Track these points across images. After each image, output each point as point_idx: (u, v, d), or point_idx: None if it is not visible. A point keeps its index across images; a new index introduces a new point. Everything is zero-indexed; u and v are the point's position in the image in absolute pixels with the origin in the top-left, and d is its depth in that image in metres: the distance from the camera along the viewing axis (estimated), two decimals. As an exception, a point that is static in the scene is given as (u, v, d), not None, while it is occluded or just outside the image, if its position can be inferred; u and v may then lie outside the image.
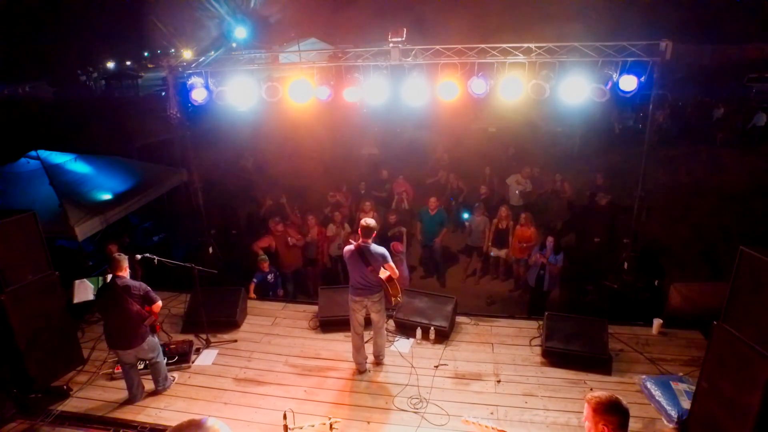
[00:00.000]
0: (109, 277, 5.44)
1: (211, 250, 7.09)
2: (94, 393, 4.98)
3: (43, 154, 7.82)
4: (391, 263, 5.01)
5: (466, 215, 8.55)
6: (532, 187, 10.00)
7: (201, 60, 6.05)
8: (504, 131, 15.11)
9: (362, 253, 4.93)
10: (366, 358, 5.29)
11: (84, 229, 6.67)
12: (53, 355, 5.04)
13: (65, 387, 4.87)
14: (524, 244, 7.83)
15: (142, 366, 5.00)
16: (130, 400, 4.75)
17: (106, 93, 34.73)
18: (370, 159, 14.60)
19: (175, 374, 5.17)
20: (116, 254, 4.54)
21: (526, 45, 5.44)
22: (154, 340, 4.72)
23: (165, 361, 5.33)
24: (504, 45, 5.47)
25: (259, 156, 13.90)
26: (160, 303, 4.65)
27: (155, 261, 5.14)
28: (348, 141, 15.62)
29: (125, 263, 4.54)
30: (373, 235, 4.99)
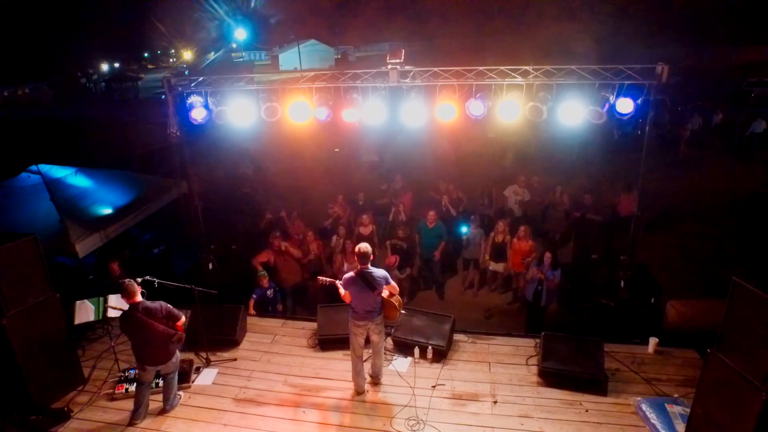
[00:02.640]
0: (111, 298, 5.52)
1: (210, 266, 7.12)
2: (94, 414, 5.02)
3: (44, 168, 7.87)
4: (393, 283, 5.09)
5: (464, 229, 8.57)
6: (530, 195, 10.04)
7: (201, 79, 6.08)
8: (503, 136, 15.17)
9: (365, 278, 4.95)
10: (365, 379, 5.34)
11: (84, 246, 6.72)
12: (54, 376, 5.09)
13: (66, 408, 4.92)
14: (524, 259, 7.87)
15: (153, 385, 5.09)
16: (133, 420, 4.80)
17: (106, 95, 34.77)
18: (370, 166, 14.68)
19: (181, 392, 5.24)
20: (126, 282, 4.57)
21: (523, 67, 5.49)
22: (178, 356, 4.87)
23: (165, 381, 5.41)
24: (502, 67, 5.51)
25: (259, 162, 13.99)
26: (183, 318, 4.80)
27: (155, 283, 5.17)
28: (349, 147, 15.70)
29: (137, 288, 4.60)
30: (371, 259, 5.03)
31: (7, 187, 7.55)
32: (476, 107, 5.56)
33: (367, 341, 5.25)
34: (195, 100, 6.19)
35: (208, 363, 5.77)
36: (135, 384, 4.99)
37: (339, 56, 58.49)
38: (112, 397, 5.22)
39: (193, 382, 5.50)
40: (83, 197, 7.63)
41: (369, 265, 5.00)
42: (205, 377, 5.58)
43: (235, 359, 5.89)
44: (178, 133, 6.35)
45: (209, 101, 6.17)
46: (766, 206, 11.15)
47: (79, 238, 6.65)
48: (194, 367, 5.68)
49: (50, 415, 4.86)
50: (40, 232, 6.57)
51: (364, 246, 5.04)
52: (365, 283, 4.93)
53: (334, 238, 8.14)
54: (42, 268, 5.01)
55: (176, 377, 5.02)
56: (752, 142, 16.17)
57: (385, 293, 5.02)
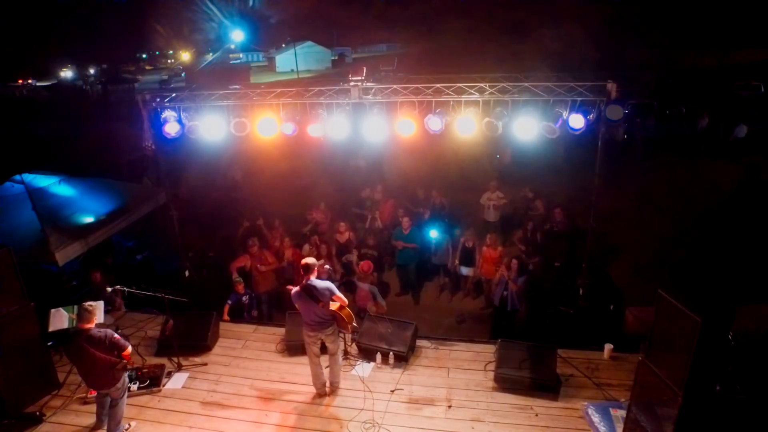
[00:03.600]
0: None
1: (187, 273, 7.37)
2: (66, 418, 5.27)
3: (27, 177, 8.10)
4: (338, 294, 5.24)
5: (433, 233, 8.80)
6: (505, 197, 10.23)
7: (174, 95, 6.31)
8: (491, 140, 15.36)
9: (309, 291, 5.12)
10: (325, 383, 5.57)
11: (65, 254, 6.93)
12: (28, 381, 5.33)
13: (38, 413, 5.16)
14: (492, 266, 8.11)
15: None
16: (97, 426, 5.03)
17: (102, 97, 35.07)
18: (356, 172, 14.88)
19: (133, 423, 5.17)
20: (87, 305, 4.68)
21: (479, 84, 5.72)
22: (125, 380, 4.93)
23: (137, 385, 5.65)
24: (459, 84, 5.74)
25: (247, 167, 14.20)
26: (129, 348, 4.81)
27: (125, 292, 5.40)
28: (338, 151, 15.91)
29: (94, 316, 4.69)
30: (314, 271, 5.18)
31: (-10, 197, 7.78)
32: (434, 123, 5.80)
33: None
34: (169, 114, 6.43)
35: (179, 368, 6.02)
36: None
37: (336, 58, 58.66)
38: (84, 401, 5.45)
39: (163, 386, 5.74)
40: (65, 206, 7.86)
41: (312, 277, 5.17)
42: (176, 381, 5.83)
43: (206, 364, 6.14)
44: (153, 147, 6.58)
45: (182, 116, 6.41)
46: (743, 211, 11.36)
47: (59, 247, 6.85)
48: (166, 371, 5.93)
49: (23, 419, 5.10)
50: (21, 241, 6.89)
51: (309, 259, 5.26)
52: (308, 295, 5.10)
53: (306, 246, 8.37)
54: (16, 278, 5.26)
55: (123, 405, 4.99)
56: (735, 146, 16.35)
57: (335, 305, 5.21)
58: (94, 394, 5.44)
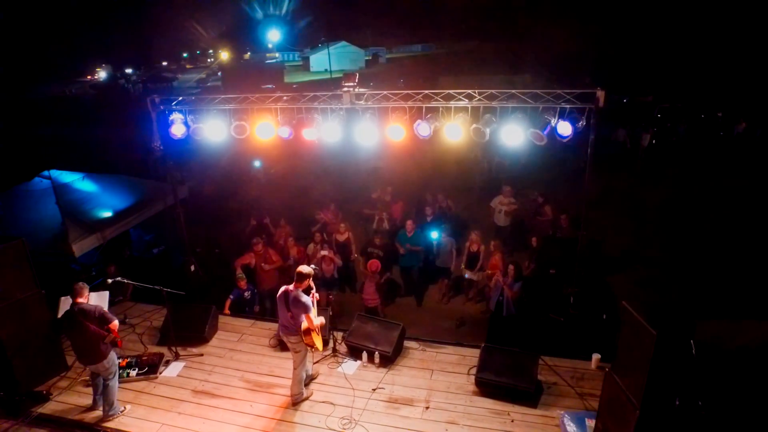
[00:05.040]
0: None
1: (193, 267, 7.75)
2: (70, 398, 5.69)
3: (55, 173, 8.73)
4: (312, 316, 5.23)
5: (434, 234, 8.88)
6: (517, 203, 10.20)
7: (180, 99, 6.67)
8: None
9: (288, 298, 5.24)
10: (310, 376, 5.79)
11: (81, 246, 7.47)
12: (38, 362, 5.79)
13: (45, 392, 5.61)
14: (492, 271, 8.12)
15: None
16: (93, 406, 5.43)
17: (143, 95, 36.72)
18: (374, 172, 15.09)
19: (128, 406, 5.50)
20: (78, 283, 5.14)
21: (468, 91, 5.78)
22: (113, 359, 5.30)
23: (136, 371, 6.04)
24: (448, 90, 5.83)
25: (269, 167, 14.70)
26: (116, 322, 5.19)
27: (125, 283, 5.78)
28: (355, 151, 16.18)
29: (85, 291, 5.15)
30: (305, 281, 5.27)
31: (21, 191, 8.43)
32: (423, 128, 5.90)
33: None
34: (176, 117, 6.80)
35: (177, 357, 6.37)
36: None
37: (370, 57, 59.08)
38: (87, 384, 5.84)
39: (160, 373, 6.10)
40: (86, 201, 8.44)
41: (301, 287, 5.23)
42: (172, 370, 6.18)
43: (202, 354, 6.47)
44: (161, 147, 6.97)
45: (188, 119, 6.76)
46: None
47: (76, 240, 7.40)
48: (164, 360, 6.30)
49: (31, 397, 5.55)
50: (44, 233, 7.46)
51: (304, 267, 5.36)
52: (285, 302, 5.26)
53: (311, 245, 8.62)
54: (28, 267, 5.72)
55: (114, 385, 5.30)
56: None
57: (304, 324, 5.19)
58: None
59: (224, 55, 68.13)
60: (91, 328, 5.02)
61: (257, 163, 15.89)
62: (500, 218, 10.28)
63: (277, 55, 68.09)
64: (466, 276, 8.90)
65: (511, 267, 7.43)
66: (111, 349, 5.24)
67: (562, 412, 5.23)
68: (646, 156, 16.54)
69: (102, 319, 5.09)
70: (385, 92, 5.90)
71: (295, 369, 5.53)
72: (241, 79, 37.07)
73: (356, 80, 5.99)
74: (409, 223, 9.01)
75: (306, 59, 58.05)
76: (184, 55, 74.64)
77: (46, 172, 8.68)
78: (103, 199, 8.62)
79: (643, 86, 24.30)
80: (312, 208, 10.57)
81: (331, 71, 49.10)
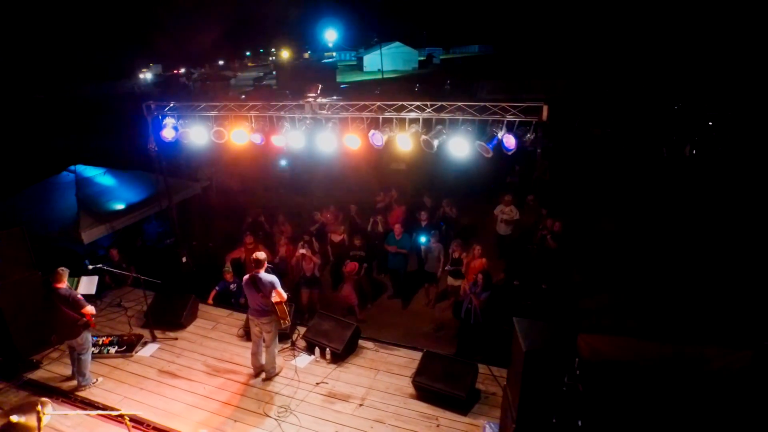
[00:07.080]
0: (82, 279, 6.97)
1: (184, 259, 8.44)
2: (57, 368, 6.49)
3: (80, 168, 9.75)
4: (279, 290, 5.89)
5: (423, 239, 9.04)
6: (518, 214, 10.12)
7: (172, 105, 7.32)
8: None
9: (254, 281, 5.86)
10: (261, 366, 6.23)
11: (90, 234, 8.33)
12: (33, 335, 6.63)
13: (35, 360, 6.43)
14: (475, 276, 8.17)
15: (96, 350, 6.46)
16: (72, 377, 6.17)
17: (201, 92, 39.14)
18: (398, 174, 15.34)
19: (100, 378, 6.20)
20: (59, 268, 5.83)
21: (419, 102, 5.96)
22: (86, 337, 5.99)
23: (116, 349, 6.76)
24: (400, 102, 6.04)
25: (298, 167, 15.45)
26: (89, 307, 5.86)
27: (104, 268, 6.52)
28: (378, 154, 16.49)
29: (65, 277, 5.83)
30: (264, 266, 5.91)
31: (49, 183, 9.51)
32: (377, 138, 6.15)
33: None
34: (168, 121, 7.46)
35: (153, 339, 7.04)
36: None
37: (424, 58, 59.07)
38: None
39: (136, 352, 6.78)
40: (104, 194, 9.37)
41: (261, 270, 5.88)
42: (147, 350, 6.85)
43: (176, 338, 7.10)
44: (156, 149, 7.67)
45: (178, 123, 7.40)
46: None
47: (86, 228, 8.28)
48: (142, 341, 6.98)
49: (24, 364, 6.40)
50: (61, 222, 8.40)
51: (259, 254, 5.96)
52: (253, 285, 5.83)
53: (301, 243, 9.06)
54: (27, 251, 6.58)
55: (88, 359, 5.99)
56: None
57: (274, 298, 5.85)
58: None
59: (285, 54, 70.72)
60: (64, 310, 5.71)
61: (283, 162, 16.72)
62: (501, 227, 10.24)
63: (333, 54, 69.66)
64: (448, 282, 8.99)
65: (479, 276, 7.48)
66: (84, 329, 5.92)
67: (486, 421, 5.31)
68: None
69: (75, 304, 5.76)
70: (341, 103, 6.21)
71: (267, 347, 6.11)
72: (292, 78, 38.49)
73: (318, 91, 6.33)
74: (397, 227, 9.23)
75: (360, 59, 59.01)
76: (247, 53, 78.18)
77: (72, 167, 9.72)
78: (118, 193, 9.52)
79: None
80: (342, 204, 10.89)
81: (383, 71, 49.77)
